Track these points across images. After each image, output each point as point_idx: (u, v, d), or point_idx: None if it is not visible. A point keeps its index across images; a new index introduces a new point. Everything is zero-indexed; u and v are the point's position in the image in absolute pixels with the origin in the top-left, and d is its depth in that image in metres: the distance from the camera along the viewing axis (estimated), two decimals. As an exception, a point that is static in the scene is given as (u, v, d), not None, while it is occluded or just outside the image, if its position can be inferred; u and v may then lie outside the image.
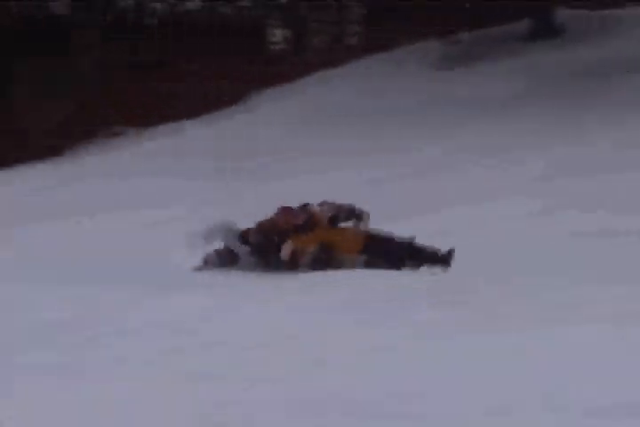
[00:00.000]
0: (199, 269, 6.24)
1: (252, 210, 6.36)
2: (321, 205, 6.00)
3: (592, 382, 3.25)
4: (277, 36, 22.83)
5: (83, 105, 14.79)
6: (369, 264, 5.88)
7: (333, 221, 6.00)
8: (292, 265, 5.74)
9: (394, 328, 4.47)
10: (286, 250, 5.69)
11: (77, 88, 14.90)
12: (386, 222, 6.23)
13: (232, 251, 5.99)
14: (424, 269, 5.98)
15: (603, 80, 10.59)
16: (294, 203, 6.01)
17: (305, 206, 5.96)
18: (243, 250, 5.93)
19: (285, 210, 5.89)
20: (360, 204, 6.15)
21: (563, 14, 12.81)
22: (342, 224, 6.12)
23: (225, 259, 6.06)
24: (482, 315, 4.57)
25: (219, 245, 6.15)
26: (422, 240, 6.05)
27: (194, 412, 3.38)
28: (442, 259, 6.00)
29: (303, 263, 5.73)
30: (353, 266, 5.77)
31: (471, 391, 3.33)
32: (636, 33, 12.59)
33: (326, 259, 5.71)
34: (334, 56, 17.80)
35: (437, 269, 5.95)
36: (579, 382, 3.30)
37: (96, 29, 16.60)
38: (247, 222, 6.04)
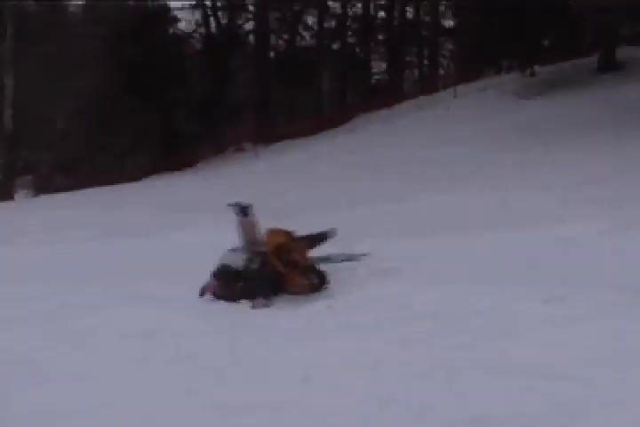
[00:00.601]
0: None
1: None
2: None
3: (592, 382, 3.27)
4: (378, 67, 26.99)
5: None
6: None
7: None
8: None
9: (387, 333, 4.44)
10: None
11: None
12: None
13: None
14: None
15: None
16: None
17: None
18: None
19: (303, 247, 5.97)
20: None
21: (624, 52, 13.84)
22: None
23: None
24: (482, 318, 4.56)
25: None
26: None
27: (194, 412, 3.39)
28: (320, 238, 6.19)
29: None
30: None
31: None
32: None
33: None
34: (428, 85, 20.58)
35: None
36: (579, 381, 3.31)
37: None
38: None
